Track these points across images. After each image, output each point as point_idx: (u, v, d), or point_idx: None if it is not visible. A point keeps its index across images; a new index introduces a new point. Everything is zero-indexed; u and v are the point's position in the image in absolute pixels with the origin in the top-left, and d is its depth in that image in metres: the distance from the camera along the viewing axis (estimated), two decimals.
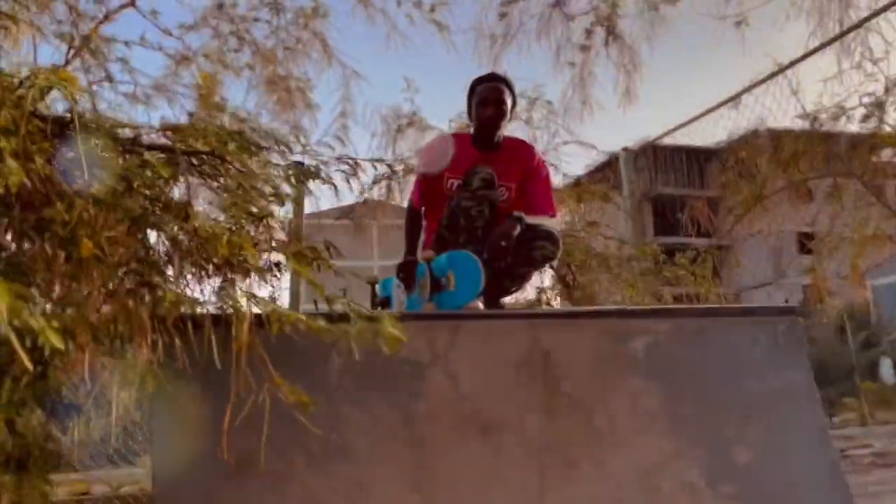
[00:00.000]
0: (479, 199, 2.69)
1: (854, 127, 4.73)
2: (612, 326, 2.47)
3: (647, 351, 2.47)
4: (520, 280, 2.66)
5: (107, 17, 4.03)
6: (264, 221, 2.37)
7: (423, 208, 2.86)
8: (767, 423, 2.48)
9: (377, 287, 2.69)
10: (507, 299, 2.83)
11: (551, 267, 2.84)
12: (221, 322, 2.24)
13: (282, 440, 2.18)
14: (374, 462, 2.21)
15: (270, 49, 4.74)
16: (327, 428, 2.21)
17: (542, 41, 4.71)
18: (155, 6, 4.28)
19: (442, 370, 2.32)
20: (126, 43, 4.11)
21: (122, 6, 4.10)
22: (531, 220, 2.69)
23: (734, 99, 4.09)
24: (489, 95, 2.77)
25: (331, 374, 2.27)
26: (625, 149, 4.71)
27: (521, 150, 2.86)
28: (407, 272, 2.62)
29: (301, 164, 3.22)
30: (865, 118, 4.52)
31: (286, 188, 2.32)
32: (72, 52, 3.75)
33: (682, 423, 2.42)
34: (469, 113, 2.80)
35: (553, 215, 2.88)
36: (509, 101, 2.80)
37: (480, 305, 2.51)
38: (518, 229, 2.60)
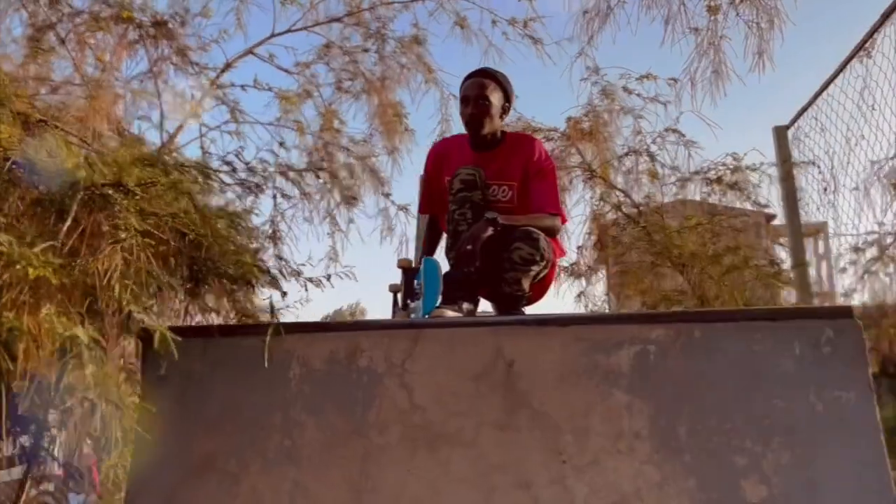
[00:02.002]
0: (459, 202, 2.58)
1: None
2: (588, 334, 2.18)
3: (633, 363, 2.14)
4: (516, 285, 2.45)
5: (227, 67, 4.65)
6: None
7: (430, 214, 2.81)
8: (798, 453, 1.99)
9: (398, 296, 2.66)
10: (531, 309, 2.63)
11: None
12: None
13: (241, 444, 2.29)
14: (321, 468, 2.21)
15: (379, 77, 5.03)
16: (283, 433, 2.27)
17: (648, 12, 4.29)
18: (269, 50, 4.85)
19: (397, 380, 2.25)
20: (243, 87, 4.70)
21: (241, 55, 4.70)
22: (529, 219, 2.50)
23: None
24: (469, 93, 2.63)
25: (292, 380, 2.32)
26: (778, 128, 4.06)
27: (522, 146, 2.65)
28: (403, 280, 2.59)
29: None
30: None
31: None
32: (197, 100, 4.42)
33: (672, 447, 2.04)
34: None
35: (554, 213, 2.61)
36: (495, 96, 2.62)
37: (450, 313, 2.37)
38: (488, 231, 2.43)
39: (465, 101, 2.58)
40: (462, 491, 2.10)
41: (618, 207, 4.56)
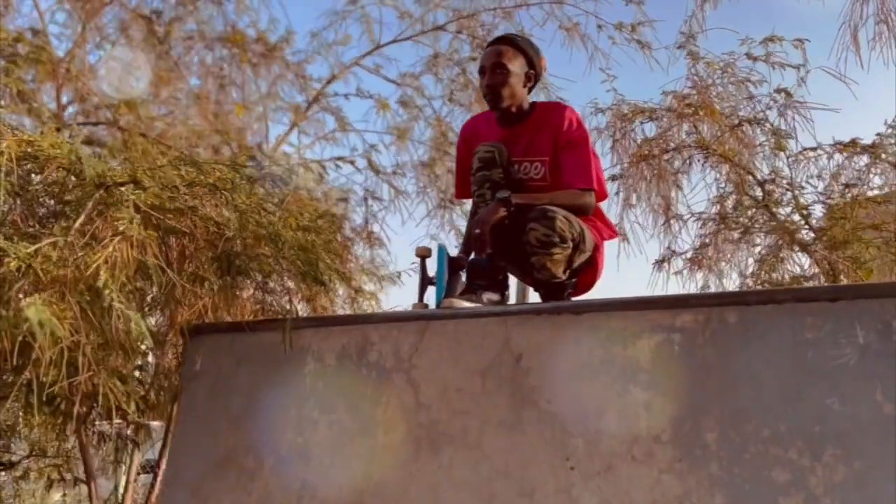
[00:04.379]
0: (478, 182, 2.36)
1: None
2: (604, 322, 1.90)
3: (654, 355, 1.83)
4: (544, 270, 2.18)
5: (334, 78, 4.73)
6: None
7: (466, 198, 2.61)
8: (857, 469, 1.59)
9: (427, 262, 2.46)
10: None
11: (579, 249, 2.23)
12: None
13: (259, 440, 2.28)
14: (328, 467, 2.13)
15: None
16: (296, 430, 2.23)
17: None
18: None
19: (404, 376, 2.12)
20: (346, 96, 4.76)
21: (349, 66, 4.77)
22: (552, 196, 2.22)
23: None
24: (485, 62, 2.37)
25: (307, 376, 2.27)
26: None
27: (551, 117, 2.35)
28: (420, 270, 2.43)
29: None
30: None
31: None
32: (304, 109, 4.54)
33: (698, 456, 1.71)
34: None
35: (585, 188, 2.27)
36: (515, 63, 2.34)
37: (464, 304, 2.16)
38: (500, 213, 2.18)
39: (481, 71, 2.38)
40: (462, 497, 1.91)
41: (740, 186, 4.03)
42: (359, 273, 3.88)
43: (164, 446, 3.40)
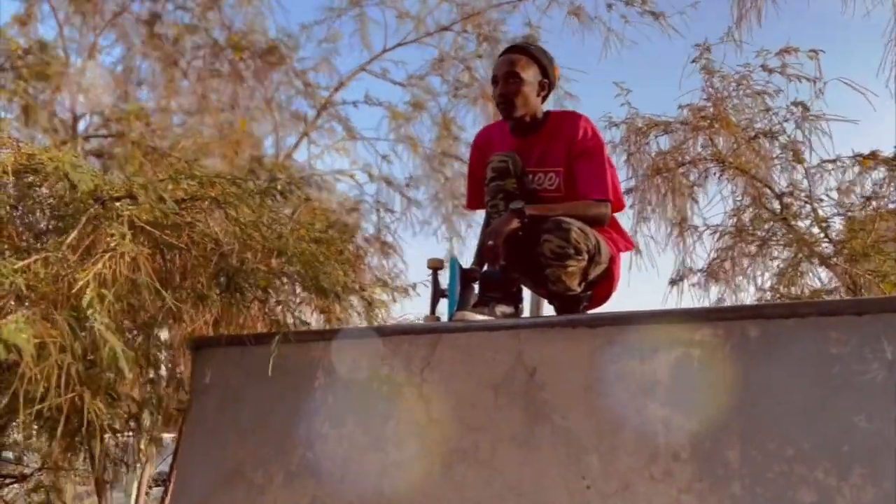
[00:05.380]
0: (492, 193, 2.31)
1: None
2: (621, 336, 1.85)
3: (672, 370, 1.78)
4: (559, 283, 2.14)
5: (341, 85, 4.72)
6: None
7: (478, 209, 2.57)
8: (886, 489, 1.53)
9: (439, 274, 2.41)
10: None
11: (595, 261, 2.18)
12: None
13: (268, 454, 2.24)
14: (339, 483, 2.09)
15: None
16: (306, 445, 2.19)
17: None
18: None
19: (416, 390, 2.07)
20: (354, 103, 4.74)
21: (354, 73, 4.76)
22: (567, 207, 2.18)
23: None
24: (497, 72, 2.33)
25: (317, 390, 2.23)
26: None
27: (564, 126, 2.32)
28: (432, 282, 2.39)
29: None
30: None
31: None
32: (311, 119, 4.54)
33: (719, 475, 1.66)
34: None
35: (601, 199, 2.22)
36: (529, 72, 2.31)
37: (476, 317, 2.12)
38: (513, 224, 2.13)
39: (494, 80, 2.35)
40: None
41: (757, 200, 3.97)
42: (372, 284, 3.84)
43: (174, 460, 3.37)
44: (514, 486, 1.85)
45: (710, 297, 4.17)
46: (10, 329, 1.53)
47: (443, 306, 2.41)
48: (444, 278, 2.37)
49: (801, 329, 1.70)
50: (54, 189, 2.26)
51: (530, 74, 2.32)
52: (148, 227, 2.05)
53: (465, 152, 4.98)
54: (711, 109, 3.96)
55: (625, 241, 2.42)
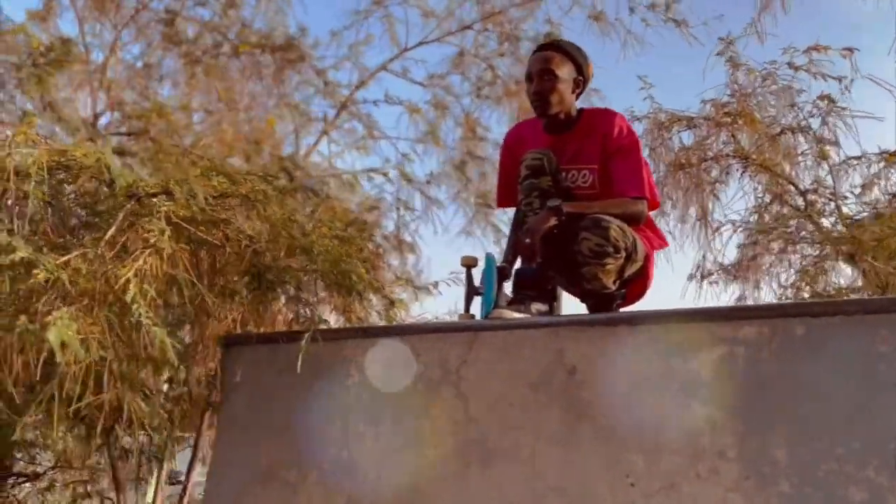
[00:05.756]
0: (526, 191, 2.30)
1: None
2: (663, 334, 1.83)
3: (716, 368, 1.76)
4: (595, 281, 2.12)
5: (362, 84, 4.71)
6: None
7: (509, 206, 2.56)
8: None
9: (473, 272, 2.40)
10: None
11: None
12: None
13: (301, 452, 2.23)
14: (375, 482, 2.08)
15: (516, 79, 4.83)
16: (340, 444, 2.17)
17: None
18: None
19: (453, 389, 2.06)
20: (375, 102, 4.73)
21: (375, 71, 4.75)
22: (604, 205, 2.17)
23: None
24: (532, 69, 2.32)
25: (350, 388, 2.22)
26: None
27: (599, 123, 2.31)
28: (466, 280, 2.37)
29: None
30: None
31: None
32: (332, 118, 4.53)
33: (766, 474, 1.64)
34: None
35: (637, 196, 2.21)
36: (564, 69, 2.30)
37: (513, 315, 2.10)
38: (550, 222, 2.12)
39: (528, 78, 2.33)
40: None
41: (780, 197, 3.95)
42: (393, 283, 3.84)
43: (193, 458, 3.36)
44: (555, 486, 1.84)
45: (728, 294, 4.16)
46: (61, 327, 1.53)
47: (474, 304, 2.41)
48: (477, 276, 2.36)
49: (847, 327, 1.68)
50: (84, 185, 2.26)
51: (565, 72, 2.31)
52: (183, 224, 2.05)
53: (491, 152, 4.97)
54: (735, 105, 3.94)
55: (659, 240, 2.41)
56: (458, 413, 2.03)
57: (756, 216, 4.12)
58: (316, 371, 2.29)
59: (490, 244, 4.93)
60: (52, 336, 1.52)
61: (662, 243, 2.43)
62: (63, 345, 1.54)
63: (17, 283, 1.77)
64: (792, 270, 3.96)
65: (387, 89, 4.81)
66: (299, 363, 2.10)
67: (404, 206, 4.49)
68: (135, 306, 1.68)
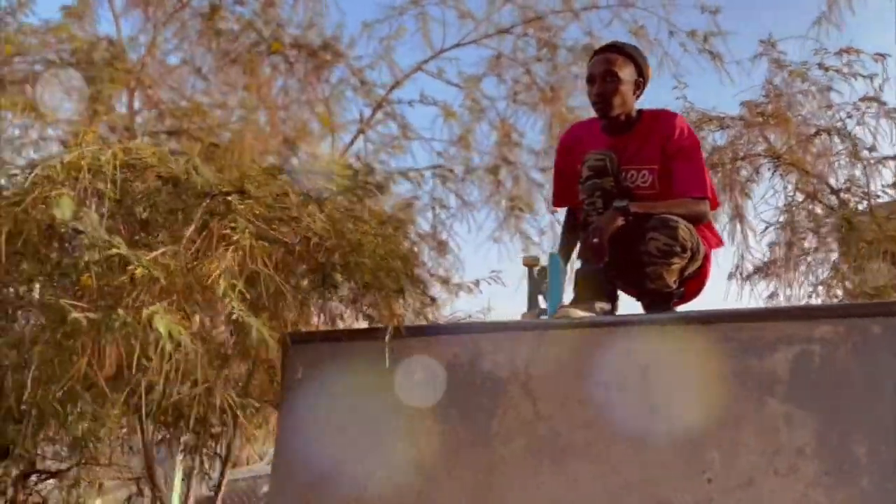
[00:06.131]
0: (588, 191, 2.33)
1: None
2: (736, 333, 1.87)
3: (792, 366, 1.80)
4: (659, 280, 2.16)
5: (397, 83, 4.74)
6: None
7: (565, 207, 2.60)
8: None
9: (535, 272, 2.43)
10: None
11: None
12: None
13: (367, 449, 2.26)
14: (445, 478, 2.11)
15: (553, 86, 4.86)
16: (407, 441, 2.21)
17: None
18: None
19: (521, 387, 2.09)
20: (410, 103, 4.76)
21: (411, 72, 4.77)
22: (668, 205, 2.20)
23: None
24: (594, 70, 2.35)
25: (415, 386, 2.25)
26: None
27: (659, 124, 2.34)
28: (529, 280, 2.41)
29: None
30: None
31: None
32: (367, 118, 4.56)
33: (846, 470, 1.68)
34: None
35: (700, 197, 2.24)
36: (626, 71, 2.33)
37: (579, 313, 2.14)
38: (618, 222, 2.15)
39: (590, 80, 2.36)
40: None
41: (813, 196, 3.98)
42: (432, 281, 3.87)
43: (228, 450, 3.39)
44: (632, 482, 1.87)
45: (762, 292, 4.19)
46: (163, 318, 1.56)
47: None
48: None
49: None
50: (154, 184, 2.29)
51: (627, 73, 2.34)
52: (256, 222, 2.08)
53: (526, 158, 5.00)
54: (769, 106, 3.97)
55: (716, 239, 2.44)
56: (527, 411, 2.06)
57: (787, 215, 4.16)
58: (379, 369, 2.32)
59: (518, 251, 4.97)
60: (162, 327, 1.56)
61: (719, 242, 2.46)
62: (169, 335, 1.58)
63: (106, 280, 1.81)
64: (824, 268, 4.00)
65: (422, 90, 4.84)
66: (387, 358, 2.17)
67: (440, 205, 4.53)
68: (227, 301, 1.72)
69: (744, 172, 4.27)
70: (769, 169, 4.11)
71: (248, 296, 1.91)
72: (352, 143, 4.61)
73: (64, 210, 1.74)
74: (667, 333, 1.96)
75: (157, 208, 2.19)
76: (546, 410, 2.04)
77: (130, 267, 1.70)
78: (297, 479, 2.35)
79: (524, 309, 2.41)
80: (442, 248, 4.34)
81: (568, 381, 2.04)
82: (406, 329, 2.35)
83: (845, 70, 3.85)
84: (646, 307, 2.40)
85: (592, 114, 2.45)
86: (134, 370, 1.80)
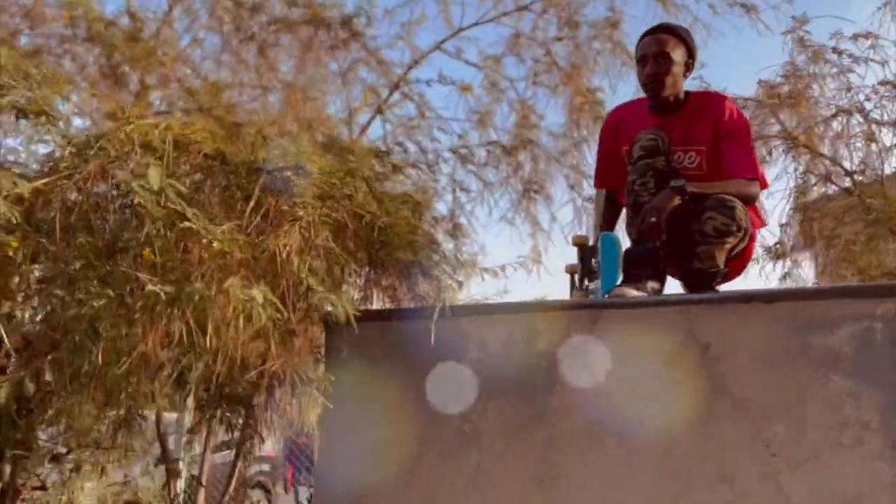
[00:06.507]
0: (640, 171, 2.35)
1: None
2: (799, 311, 1.90)
3: (856, 343, 1.83)
4: (709, 259, 2.19)
5: (415, 63, 4.70)
6: None
7: (607, 188, 2.62)
8: None
9: (575, 277, 2.46)
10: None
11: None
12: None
13: (419, 428, 2.27)
14: (502, 453, 2.13)
15: (573, 65, 4.84)
16: (461, 418, 2.22)
17: None
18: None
19: (578, 363, 2.11)
20: (427, 82, 4.72)
21: (429, 51, 4.73)
22: (722, 185, 2.23)
23: None
24: (647, 51, 2.37)
25: (468, 365, 2.26)
26: None
27: (710, 106, 2.38)
28: (579, 259, 2.43)
29: None
30: None
31: None
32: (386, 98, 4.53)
33: None
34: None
35: (752, 178, 2.29)
36: (677, 52, 2.35)
37: (633, 292, 2.16)
38: (675, 201, 2.18)
39: (642, 60, 2.37)
40: (655, 483, 1.92)
41: (827, 178, 4.05)
42: (455, 264, 3.87)
43: (245, 426, 3.37)
44: (695, 455, 1.90)
45: (775, 272, 4.25)
46: (242, 289, 1.56)
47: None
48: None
49: None
50: (200, 161, 2.26)
51: (678, 55, 2.35)
52: (311, 201, 2.07)
53: (545, 140, 4.97)
54: (787, 87, 4.02)
55: (759, 220, 2.48)
56: (585, 388, 2.08)
57: (800, 196, 4.22)
58: (429, 348, 2.33)
59: (525, 236, 4.96)
60: (241, 295, 1.56)
61: (762, 223, 2.50)
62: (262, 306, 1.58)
63: (169, 255, 1.80)
64: (836, 249, 4.07)
65: (440, 69, 4.79)
66: (432, 337, 2.15)
67: (459, 188, 4.51)
68: (302, 275, 1.72)
69: (757, 153, 4.30)
70: (783, 151, 4.16)
71: (318, 273, 1.90)
72: (370, 122, 4.58)
73: (153, 181, 1.71)
74: (728, 312, 1.99)
75: (211, 184, 2.17)
76: (606, 387, 2.06)
77: (206, 241, 1.68)
78: (345, 460, 2.35)
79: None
80: (460, 231, 4.32)
81: (626, 359, 2.06)
82: (459, 308, 2.35)
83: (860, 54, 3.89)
84: (689, 287, 2.43)
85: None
86: (197, 345, 1.80)
